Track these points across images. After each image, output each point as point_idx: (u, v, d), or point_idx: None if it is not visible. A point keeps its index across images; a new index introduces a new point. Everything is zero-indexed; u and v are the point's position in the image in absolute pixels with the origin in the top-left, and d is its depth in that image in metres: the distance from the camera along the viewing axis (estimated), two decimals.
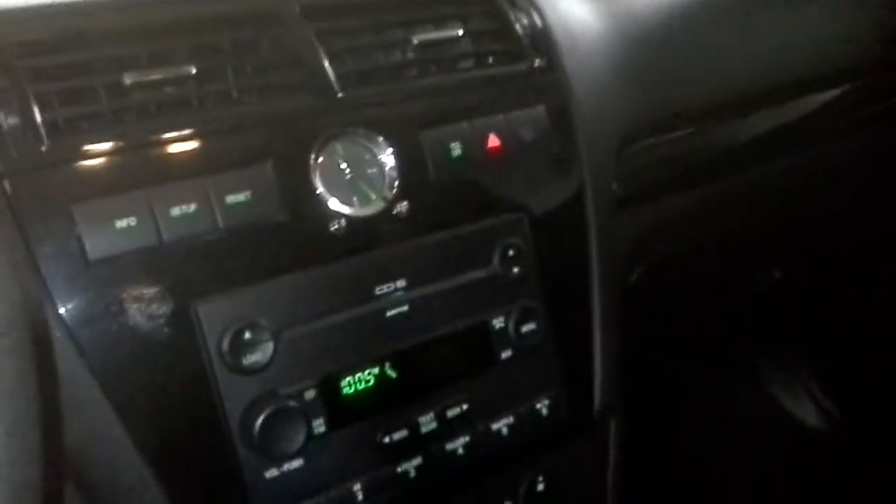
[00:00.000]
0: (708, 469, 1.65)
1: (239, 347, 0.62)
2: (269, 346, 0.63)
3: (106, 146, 0.61)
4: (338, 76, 0.69)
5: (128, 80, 0.62)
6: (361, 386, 0.68)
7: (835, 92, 1.09)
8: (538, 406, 0.77)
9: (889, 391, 1.55)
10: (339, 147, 0.69)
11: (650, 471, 1.15)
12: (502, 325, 0.75)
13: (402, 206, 0.70)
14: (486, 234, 0.75)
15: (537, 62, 0.81)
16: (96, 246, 0.58)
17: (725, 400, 1.66)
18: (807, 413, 1.71)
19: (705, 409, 1.62)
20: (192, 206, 0.61)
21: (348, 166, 0.69)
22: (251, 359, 0.62)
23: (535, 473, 0.81)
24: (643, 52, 0.91)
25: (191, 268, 0.62)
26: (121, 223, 0.59)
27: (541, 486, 0.81)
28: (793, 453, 1.70)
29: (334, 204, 0.67)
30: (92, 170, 0.60)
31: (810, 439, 1.69)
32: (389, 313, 0.69)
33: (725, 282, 1.24)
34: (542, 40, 0.82)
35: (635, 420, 0.92)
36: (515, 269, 0.75)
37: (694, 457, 1.61)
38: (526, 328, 0.75)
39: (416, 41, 0.75)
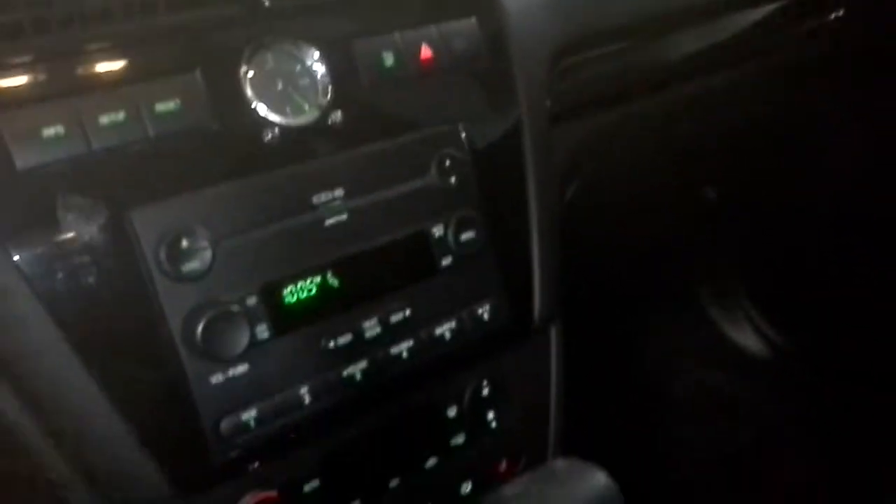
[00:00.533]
0: (650, 391, 1.71)
1: (177, 255, 0.62)
2: (207, 254, 0.63)
3: (29, 56, 0.60)
4: None
5: None
6: (304, 295, 0.69)
7: (763, 10, 1.12)
8: (479, 312, 0.79)
9: (826, 315, 1.61)
10: (269, 57, 0.69)
11: (594, 385, 1.19)
12: (441, 233, 0.76)
13: (336, 116, 0.70)
14: (421, 144, 0.76)
15: None
16: (24, 155, 0.58)
17: (667, 324, 1.71)
18: (747, 338, 1.77)
19: (647, 333, 1.67)
20: (121, 115, 0.61)
21: (280, 76, 0.69)
22: (189, 266, 0.63)
23: (479, 379, 0.83)
24: None
25: (123, 177, 0.62)
26: (48, 132, 0.59)
27: (486, 392, 0.84)
28: (734, 378, 1.76)
29: (266, 113, 0.67)
30: (16, 79, 0.59)
31: (750, 364, 1.75)
32: (328, 222, 0.70)
33: (661, 201, 1.27)
34: None
35: (576, 333, 0.95)
36: (452, 179, 0.77)
37: (637, 379, 1.66)
38: (465, 236, 0.77)
39: None
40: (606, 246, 1.21)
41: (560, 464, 0.69)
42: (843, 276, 1.55)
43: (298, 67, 0.70)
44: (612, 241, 1.23)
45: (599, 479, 0.66)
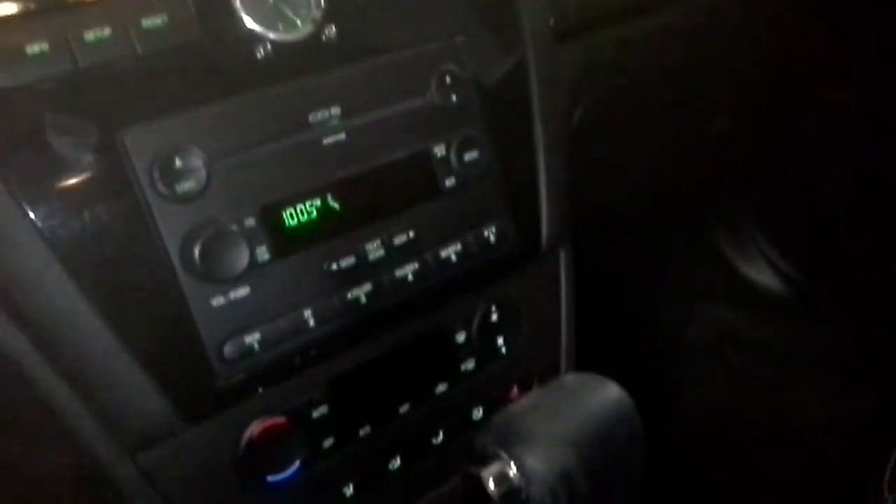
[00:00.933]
0: (663, 329, 1.69)
1: (170, 175, 0.61)
2: (202, 173, 0.62)
3: None
4: None
5: None
6: (304, 216, 0.67)
7: None
8: (486, 234, 0.77)
9: (844, 249, 1.58)
10: None
11: (605, 320, 1.17)
12: (444, 153, 0.74)
13: (330, 31, 0.68)
14: (420, 60, 0.73)
15: None
16: (8, 73, 0.56)
17: (680, 262, 1.69)
18: (762, 275, 1.74)
19: (659, 270, 1.66)
20: (107, 31, 0.59)
21: None
22: (184, 186, 0.61)
23: (487, 304, 0.82)
24: None
25: (113, 96, 0.60)
26: (32, 49, 0.57)
27: (494, 316, 0.82)
28: (750, 316, 1.74)
29: (257, 28, 0.65)
30: None
31: (766, 301, 1.73)
32: (326, 142, 0.68)
33: (671, 129, 1.25)
34: None
35: (587, 265, 0.93)
36: (453, 97, 0.74)
37: (649, 317, 1.65)
38: (468, 157, 0.75)
39: None
40: (615, 176, 1.19)
41: (571, 378, 0.67)
42: (861, 208, 1.52)
43: None
44: (620, 170, 1.20)
45: (612, 390, 0.64)
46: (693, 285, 1.73)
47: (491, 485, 0.61)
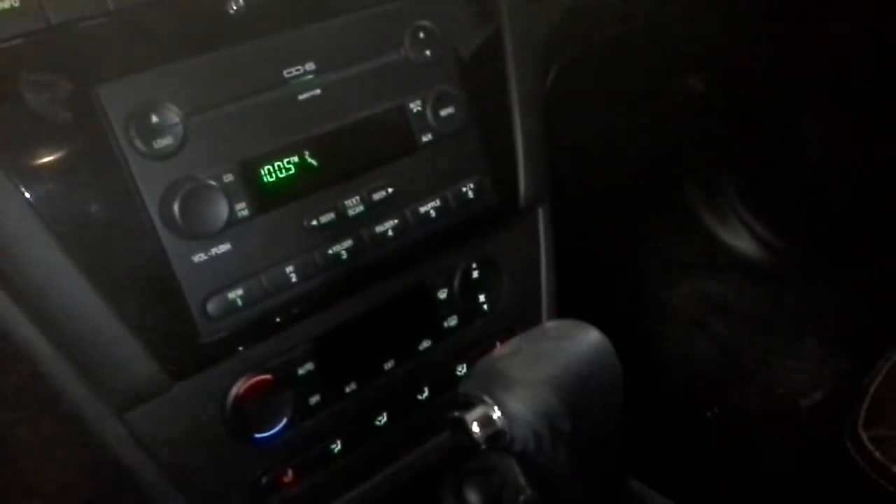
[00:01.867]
0: (644, 299, 1.71)
1: (147, 131, 0.61)
2: (178, 129, 0.62)
3: None
4: None
5: None
6: (282, 172, 0.68)
7: None
8: (464, 189, 0.78)
9: (821, 211, 1.59)
10: None
11: (587, 282, 1.18)
12: (420, 108, 0.75)
13: None
14: (394, 15, 0.74)
15: None
16: None
17: (657, 228, 1.71)
18: (740, 241, 1.75)
19: (637, 236, 1.67)
20: None
21: None
22: (162, 142, 0.62)
23: (468, 260, 0.83)
24: None
25: (86, 52, 0.60)
26: (2, 4, 0.57)
27: (475, 273, 0.83)
28: (729, 282, 1.75)
29: None
30: None
31: (745, 267, 1.74)
32: (301, 97, 0.69)
33: (644, 90, 1.25)
34: None
35: (566, 225, 0.94)
36: (428, 52, 0.75)
37: (629, 286, 1.66)
38: (444, 112, 0.76)
39: None
40: (592, 137, 1.20)
41: (552, 323, 0.68)
42: (839, 170, 1.53)
43: None
44: (597, 132, 1.21)
45: (592, 334, 0.65)
46: (673, 252, 1.75)
47: (475, 427, 0.62)
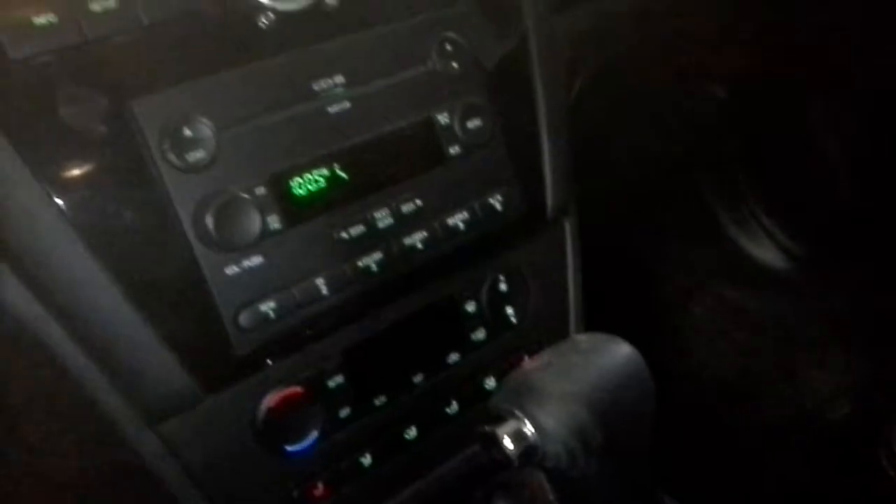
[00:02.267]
0: (668, 309, 1.70)
1: (181, 144, 0.62)
2: (211, 143, 0.63)
3: None
4: None
5: None
6: (313, 185, 0.68)
7: None
8: (491, 202, 0.78)
9: (845, 222, 1.58)
10: None
11: (612, 291, 1.18)
12: (447, 121, 0.75)
13: (332, 0, 0.69)
14: (421, 28, 0.74)
15: None
16: (16, 45, 0.57)
17: (681, 237, 1.70)
18: (765, 251, 1.74)
19: (661, 247, 1.66)
20: (113, 1, 0.60)
21: None
22: (195, 156, 0.62)
23: (496, 273, 0.82)
24: None
25: (121, 67, 0.61)
26: (39, 20, 0.57)
27: (503, 286, 0.83)
28: (753, 292, 1.74)
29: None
30: None
31: (768, 277, 1.73)
32: (331, 109, 0.69)
33: (668, 99, 1.25)
34: None
35: (592, 241, 0.94)
36: (455, 65, 0.75)
37: (653, 297, 1.65)
38: (471, 124, 0.76)
39: None
40: (616, 147, 1.19)
41: (582, 336, 0.68)
42: (862, 181, 1.52)
43: None
44: (621, 141, 1.20)
45: (623, 348, 0.65)
46: (697, 260, 1.73)
47: (508, 443, 0.62)
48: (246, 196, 0.64)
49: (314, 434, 0.72)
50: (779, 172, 1.64)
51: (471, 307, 0.81)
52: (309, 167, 0.68)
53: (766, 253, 1.73)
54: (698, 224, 1.71)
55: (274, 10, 0.66)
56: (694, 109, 1.38)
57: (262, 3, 0.65)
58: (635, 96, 1.15)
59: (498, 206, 0.78)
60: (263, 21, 0.65)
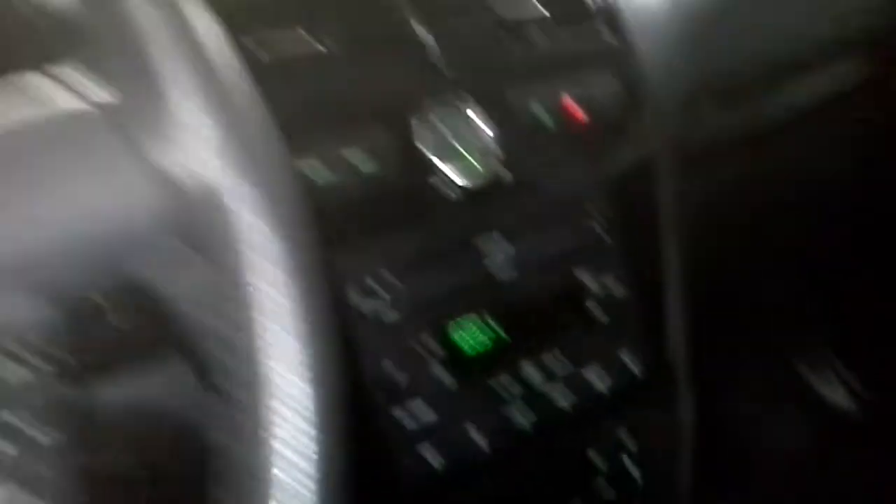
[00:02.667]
0: (746, 449, 1.68)
1: (366, 295, 0.66)
2: (388, 296, 0.67)
3: None
4: (441, 48, 0.72)
5: None
6: (474, 341, 0.72)
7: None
8: (626, 360, 0.81)
9: None
10: (439, 113, 0.70)
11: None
12: (593, 286, 0.79)
13: (507, 175, 0.73)
14: (571, 197, 0.79)
15: (610, 38, 0.85)
16: None
17: (753, 376, 1.69)
18: (839, 396, 1.73)
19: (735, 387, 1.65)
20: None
21: (450, 133, 0.71)
22: (373, 306, 0.67)
23: (622, 428, 0.84)
24: (695, 26, 0.95)
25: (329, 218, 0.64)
26: None
27: (630, 445, 0.85)
28: (826, 436, 1.72)
29: (447, 171, 0.70)
30: None
31: (844, 422, 1.71)
32: (496, 273, 0.73)
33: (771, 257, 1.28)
34: (615, 18, 0.85)
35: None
36: (604, 234, 0.80)
37: (732, 434, 1.63)
38: (613, 289, 0.80)
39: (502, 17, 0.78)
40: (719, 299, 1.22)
41: None
42: None
43: (465, 124, 0.72)
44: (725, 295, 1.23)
45: None
46: (764, 398, 1.73)
47: None
48: (419, 349, 0.68)
49: None
50: (854, 319, 1.64)
51: (602, 465, 0.83)
52: (472, 322, 0.72)
53: (835, 395, 1.72)
54: (768, 358, 1.71)
55: (460, 186, 0.70)
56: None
57: (449, 179, 0.70)
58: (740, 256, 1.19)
59: (631, 366, 0.81)
60: (452, 195, 0.70)
